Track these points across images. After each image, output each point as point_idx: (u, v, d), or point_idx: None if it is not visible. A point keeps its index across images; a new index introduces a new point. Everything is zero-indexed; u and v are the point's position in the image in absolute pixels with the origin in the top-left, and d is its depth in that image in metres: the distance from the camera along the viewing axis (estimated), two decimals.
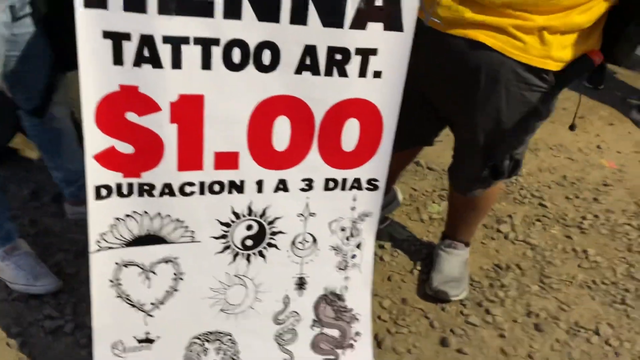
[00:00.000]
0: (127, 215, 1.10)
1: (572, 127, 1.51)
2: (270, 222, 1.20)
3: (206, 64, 0.99)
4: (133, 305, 1.19)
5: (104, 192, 1.06)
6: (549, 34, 1.19)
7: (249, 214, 1.17)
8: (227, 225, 1.17)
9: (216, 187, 1.12)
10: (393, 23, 1.03)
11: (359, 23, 1.01)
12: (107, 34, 0.92)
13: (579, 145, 2.65)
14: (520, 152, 1.46)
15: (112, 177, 1.06)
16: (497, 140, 1.39)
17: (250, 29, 0.98)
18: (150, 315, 1.21)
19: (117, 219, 1.09)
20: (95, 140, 1.01)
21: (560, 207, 2.24)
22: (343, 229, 1.26)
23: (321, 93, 1.08)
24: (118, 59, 0.95)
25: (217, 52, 0.99)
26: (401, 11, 1.03)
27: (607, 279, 1.90)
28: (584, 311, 1.76)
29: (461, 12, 1.20)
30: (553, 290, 1.83)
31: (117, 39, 0.93)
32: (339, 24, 1.01)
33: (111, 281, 1.15)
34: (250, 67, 1.02)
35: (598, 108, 2.93)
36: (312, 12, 0.99)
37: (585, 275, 1.91)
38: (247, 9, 0.96)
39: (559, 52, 1.23)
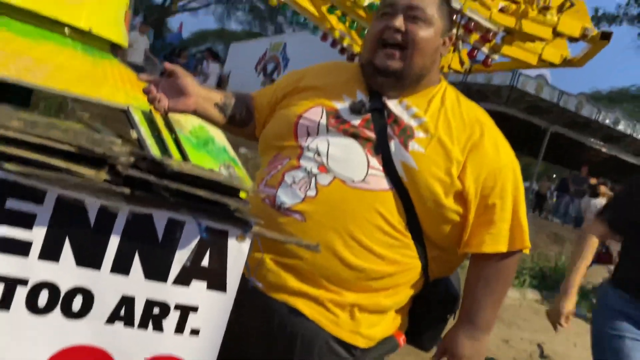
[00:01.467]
0: None
1: None
2: None
3: (5, 305, 0.90)
4: None
5: None
6: (358, 312, 1.29)
7: None
8: None
9: None
10: (217, 283, 1.06)
11: (182, 280, 1.02)
12: None
13: None
14: None
15: None
16: None
17: (65, 272, 0.93)
18: None
19: None
20: None
21: None
22: None
23: (131, 346, 1.01)
24: None
25: (21, 293, 0.91)
26: (226, 273, 1.07)
27: None
28: None
29: (284, 279, 1.27)
30: None
31: None
32: (163, 278, 1.01)
33: None
34: (56, 312, 0.94)
35: None
36: (137, 263, 0.99)
37: None
38: (67, 252, 0.93)
39: (367, 330, 1.31)
